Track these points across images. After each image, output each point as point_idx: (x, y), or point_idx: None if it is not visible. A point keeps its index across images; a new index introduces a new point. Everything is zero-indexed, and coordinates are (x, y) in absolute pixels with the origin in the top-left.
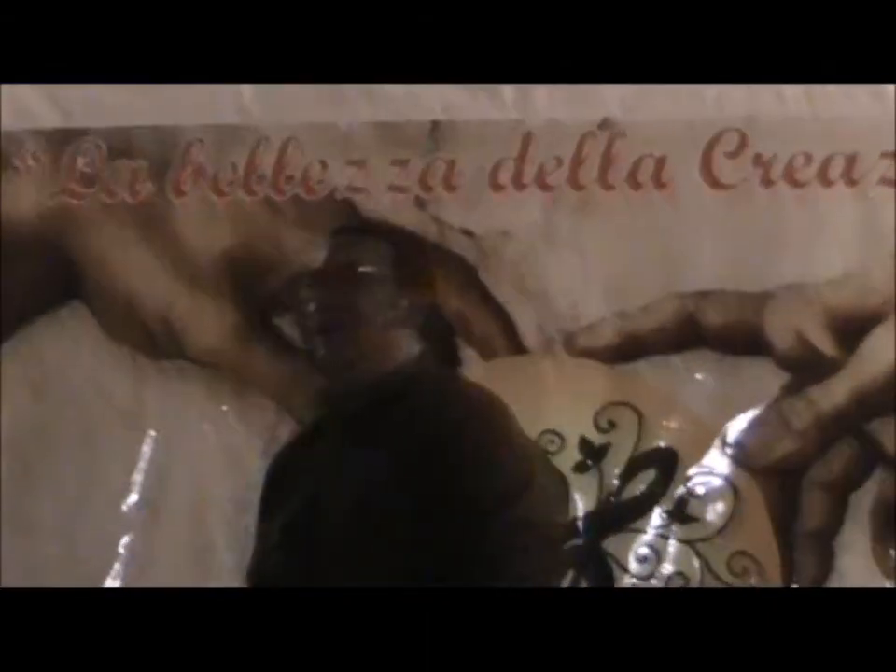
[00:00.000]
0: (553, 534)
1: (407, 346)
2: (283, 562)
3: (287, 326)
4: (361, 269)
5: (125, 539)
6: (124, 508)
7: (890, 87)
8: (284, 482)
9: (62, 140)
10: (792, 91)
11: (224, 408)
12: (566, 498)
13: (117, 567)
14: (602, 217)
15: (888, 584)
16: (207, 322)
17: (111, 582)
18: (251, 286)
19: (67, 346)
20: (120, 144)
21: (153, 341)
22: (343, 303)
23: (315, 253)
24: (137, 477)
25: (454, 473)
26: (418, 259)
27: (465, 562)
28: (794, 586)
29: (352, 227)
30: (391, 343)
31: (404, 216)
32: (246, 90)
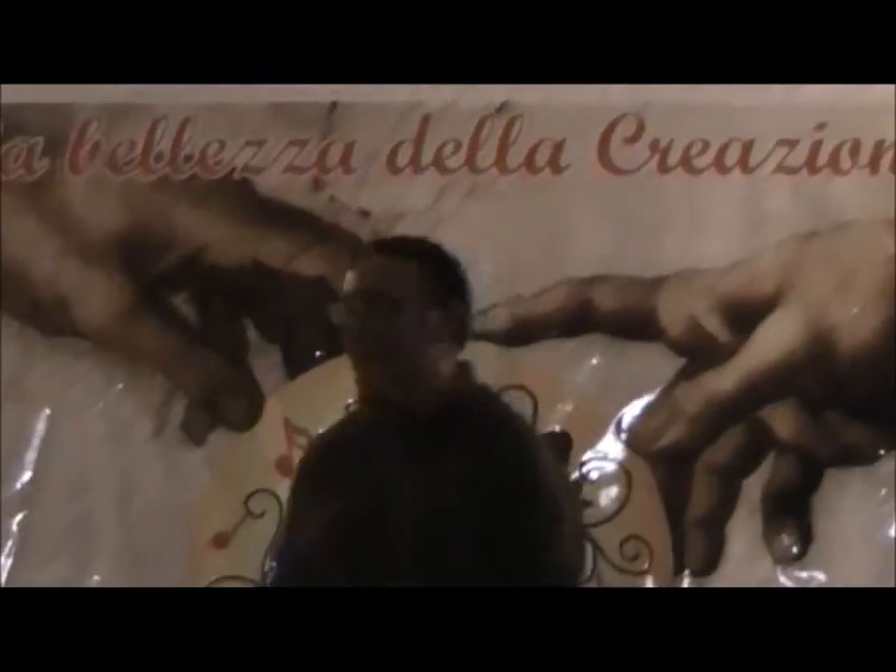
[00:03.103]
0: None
1: (446, 360)
2: (328, 558)
3: (181, 304)
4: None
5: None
6: (14, 484)
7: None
8: (330, 478)
9: None
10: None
11: (119, 386)
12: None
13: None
14: (497, 200)
15: (778, 570)
16: (99, 298)
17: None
18: (144, 263)
19: None
20: (16, 121)
21: (43, 315)
22: (380, 330)
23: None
24: (27, 453)
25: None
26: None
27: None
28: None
29: (381, 247)
30: (432, 361)
31: (301, 196)
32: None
